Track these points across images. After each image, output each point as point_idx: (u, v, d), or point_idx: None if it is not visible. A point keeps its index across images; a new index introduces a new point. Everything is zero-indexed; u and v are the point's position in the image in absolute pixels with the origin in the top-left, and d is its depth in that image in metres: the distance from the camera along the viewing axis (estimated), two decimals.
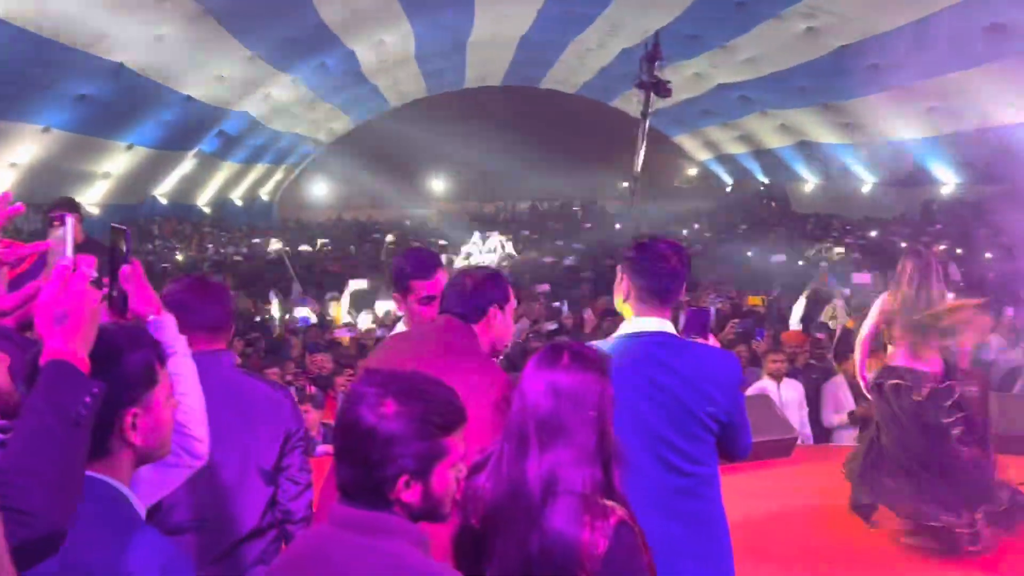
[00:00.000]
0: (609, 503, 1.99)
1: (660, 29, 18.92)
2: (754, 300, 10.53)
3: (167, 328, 2.03)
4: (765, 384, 7.15)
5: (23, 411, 1.49)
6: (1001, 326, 8.50)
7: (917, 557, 4.69)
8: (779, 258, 12.81)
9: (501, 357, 3.49)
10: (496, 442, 2.14)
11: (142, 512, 1.70)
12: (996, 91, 16.63)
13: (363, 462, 1.67)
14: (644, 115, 13.37)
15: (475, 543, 2.08)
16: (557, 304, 10.83)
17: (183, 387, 2.01)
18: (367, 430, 1.66)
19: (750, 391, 7.10)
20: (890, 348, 5.07)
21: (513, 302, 2.91)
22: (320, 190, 39.80)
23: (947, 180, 22.68)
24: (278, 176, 34.80)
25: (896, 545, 4.82)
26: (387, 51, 23.45)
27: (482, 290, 2.78)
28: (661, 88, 14.68)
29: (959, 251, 14.26)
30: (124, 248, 1.91)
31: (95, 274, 1.60)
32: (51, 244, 1.76)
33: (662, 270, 2.70)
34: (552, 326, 9.10)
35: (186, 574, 1.62)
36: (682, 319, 2.92)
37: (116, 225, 1.93)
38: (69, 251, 1.61)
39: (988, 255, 13.95)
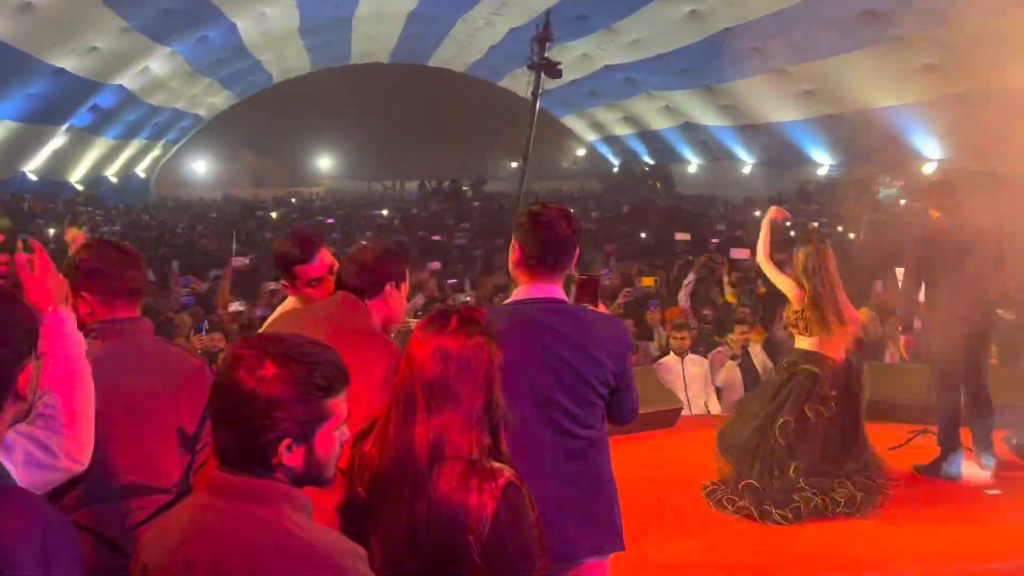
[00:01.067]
0: (496, 465, 1.98)
1: (549, 9, 18.99)
2: (648, 281, 10.60)
3: (61, 324, 1.98)
4: (669, 360, 7.25)
5: None
6: (872, 300, 8.88)
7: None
8: (684, 236, 13.08)
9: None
10: (383, 409, 2.10)
11: (15, 478, 1.65)
12: (870, 75, 17.32)
13: (243, 427, 1.61)
14: (535, 95, 13.32)
15: (361, 512, 2.03)
16: (453, 281, 10.87)
17: (72, 388, 1.97)
18: (246, 394, 1.60)
19: (654, 366, 7.23)
20: (800, 337, 5.16)
21: (408, 281, 2.90)
22: (200, 168, 38.59)
23: (822, 161, 23.54)
24: (155, 153, 33.50)
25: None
26: (270, 24, 22.83)
27: (381, 266, 2.78)
28: (552, 69, 14.71)
29: (839, 229, 14.86)
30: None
31: None
32: None
33: (553, 237, 2.71)
34: (466, 297, 9.10)
35: (66, 537, 1.55)
36: (573, 288, 2.95)
37: None
38: None
39: (859, 233, 14.55)
